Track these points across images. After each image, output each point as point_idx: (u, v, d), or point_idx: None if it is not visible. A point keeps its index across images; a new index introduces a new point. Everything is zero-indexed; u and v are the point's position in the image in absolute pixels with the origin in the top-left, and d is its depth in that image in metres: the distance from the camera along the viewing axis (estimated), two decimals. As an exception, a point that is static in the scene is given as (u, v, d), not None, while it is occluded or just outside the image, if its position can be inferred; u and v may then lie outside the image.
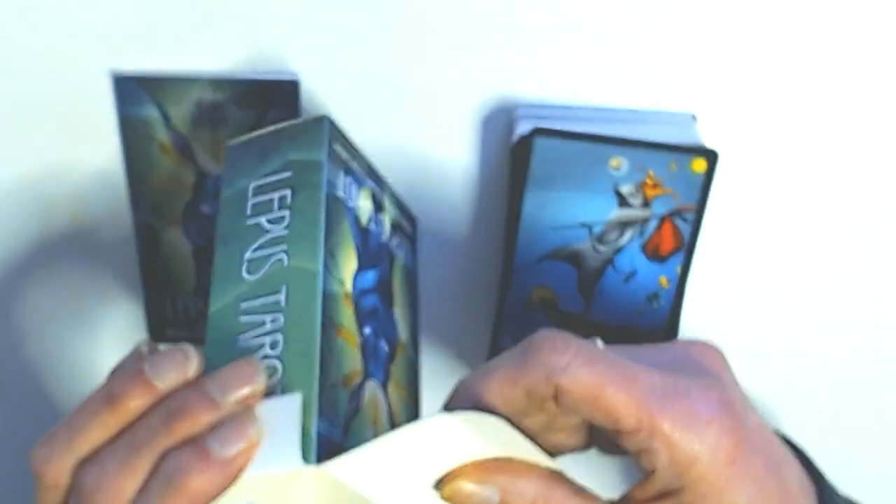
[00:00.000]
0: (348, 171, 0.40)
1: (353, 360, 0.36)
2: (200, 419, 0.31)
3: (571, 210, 0.47)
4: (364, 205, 0.41)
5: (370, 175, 0.43)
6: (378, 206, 0.42)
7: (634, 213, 0.47)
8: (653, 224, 0.47)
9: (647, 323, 0.49)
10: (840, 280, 0.53)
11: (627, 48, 0.46)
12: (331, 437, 0.32)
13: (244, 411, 0.31)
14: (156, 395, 0.31)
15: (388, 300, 0.41)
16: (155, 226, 0.51)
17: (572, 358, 0.32)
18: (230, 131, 0.48)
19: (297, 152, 0.39)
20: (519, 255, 0.48)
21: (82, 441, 0.31)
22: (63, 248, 0.53)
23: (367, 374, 0.37)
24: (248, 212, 0.37)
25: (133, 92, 0.47)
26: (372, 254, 0.40)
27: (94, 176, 0.51)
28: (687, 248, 0.47)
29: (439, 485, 0.33)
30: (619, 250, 0.48)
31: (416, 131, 0.49)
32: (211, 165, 0.49)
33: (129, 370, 0.32)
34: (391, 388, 0.39)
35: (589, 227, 0.47)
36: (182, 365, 0.32)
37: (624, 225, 0.47)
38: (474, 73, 0.47)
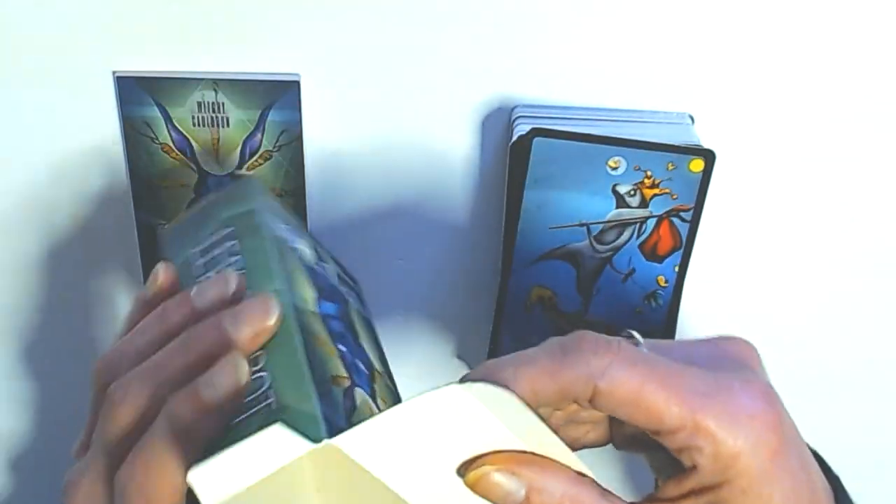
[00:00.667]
0: (284, 222, 0.41)
1: (336, 366, 0.35)
2: (211, 350, 0.33)
3: (570, 210, 0.47)
4: (305, 249, 0.41)
5: (306, 236, 0.43)
6: (320, 257, 0.42)
7: (632, 212, 0.47)
8: (651, 224, 0.47)
9: (646, 322, 0.49)
10: (837, 279, 0.53)
11: (625, 49, 0.47)
12: (338, 425, 0.31)
13: (231, 359, 0.32)
14: (194, 313, 0.35)
15: (353, 332, 0.41)
16: (156, 225, 0.51)
17: (612, 360, 0.32)
18: (230, 131, 0.49)
19: (229, 210, 0.40)
20: (518, 254, 0.48)
21: (121, 356, 0.35)
22: (65, 248, 0.53)
23: (354, 383, 0.36)
24: (202, 271, 0.38)
25: (134, 92, 0.48)
26: (326, 290, 0.40)
27: (95, 176, 0.51)
28: (685, 248, 0.48)
29: (463, 469, 0.32)
30: (617, 250, 0.48)
31: (416, 131, 0.49)
32: (212, 165, 0.50)
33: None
34: (380, 402, 0.39)
35: (587, 226, 0.48)
36: (222, 287, 0.35)
37: (622, 225, 0.47)
38: (473, 73, 0.47)
